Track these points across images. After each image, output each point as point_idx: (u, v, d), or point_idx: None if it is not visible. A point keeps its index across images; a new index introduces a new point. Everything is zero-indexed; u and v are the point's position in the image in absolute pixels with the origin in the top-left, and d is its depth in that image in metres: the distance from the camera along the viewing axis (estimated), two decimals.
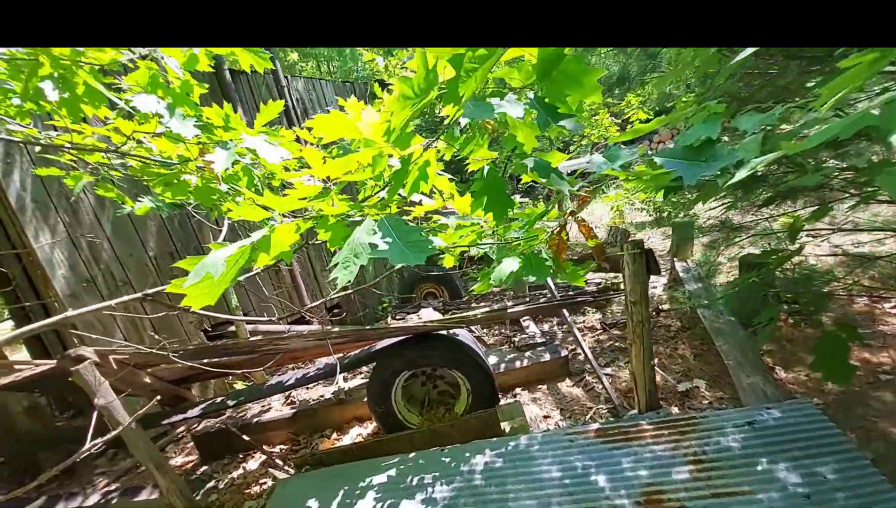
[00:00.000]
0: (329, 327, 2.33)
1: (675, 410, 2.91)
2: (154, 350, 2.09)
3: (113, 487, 3.44)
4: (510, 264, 1.23)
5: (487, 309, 2.45)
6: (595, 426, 2.45)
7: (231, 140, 1.51)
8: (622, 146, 1.21)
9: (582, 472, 2.16)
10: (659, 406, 2.52)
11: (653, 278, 5.81)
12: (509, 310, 2.49)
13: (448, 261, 2.17)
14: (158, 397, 2.33)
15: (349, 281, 0.77)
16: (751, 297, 3.25)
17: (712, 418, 2.34)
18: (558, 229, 1.35)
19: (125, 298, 1.28)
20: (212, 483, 3.21)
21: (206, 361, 2.59)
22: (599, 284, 5.08)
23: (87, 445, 1.15)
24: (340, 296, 4.71)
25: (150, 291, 1.27)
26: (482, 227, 1.48)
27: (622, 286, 2.91)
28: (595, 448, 2.28)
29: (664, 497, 1.99)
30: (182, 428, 4.03)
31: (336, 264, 0.83)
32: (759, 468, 2.08)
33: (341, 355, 2.91)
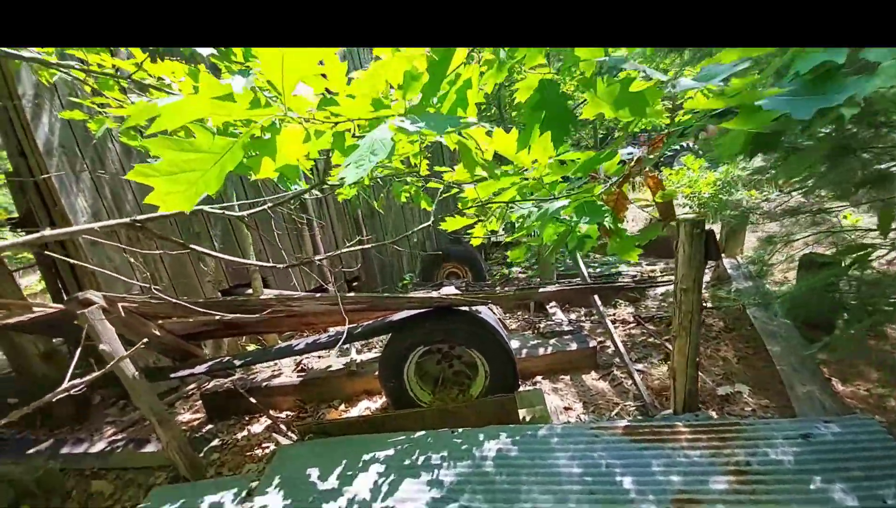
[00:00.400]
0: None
1: (713, 414, 2.67)
2: (164, 299, 2.01)
3: (120, 437, 3.48)
4: (557, 207, 1.02)
5: (515, 288, 2.28)
6: (623, 422, 2.26)
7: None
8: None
9: (606, 471, 1.98)
10: (698, 409, 2.30)
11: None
12: (540, 290, 2.30)
13: (476, 235, 2.00)
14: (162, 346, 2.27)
15: (358, 181, 0.61)
16: (813, 300, 2.95)
17: (760, 426, 2.12)
18: (620, 180, 1.15)
19: (111, 222, 1.17)
20: (216, 442, 3.19)
21: (217, 318, 2.52)
22: (635, 276, 4.81)
23: (65, 385, 1.04)
24: (355, 270, 4.62)
25: (139, 217, 1.15)
26: (526, 180, 1.28)
27: (661, 278, 2.68)
28: (622, 447, 2.09)
29: (697, 507, 1.79)
30: (193, 385, 4.05)
31: (348, 165, 0.67)
32: (812, 486, 1.86)
33: (355, 325, 2.79)
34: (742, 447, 2.02)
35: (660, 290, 5.14)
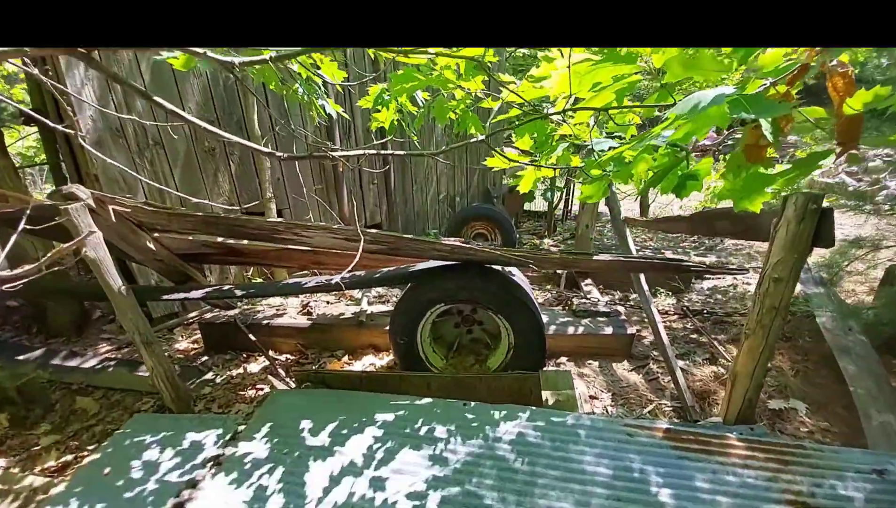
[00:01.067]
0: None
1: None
2: (159, 207, 1.80)
3: (113, 356, 3.42)
4: (703, 99, 0.69)
5: (561, 251, 1.98)
6: (663, 424, 1.99)
7: None
8: None
9: (638, 477, 1.74)
10: (754, 422, 2.01)
11: (741, 277, 5.04)
12: (594, 257, 1.98)
13: (526, 183, 1.68)
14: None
15: None
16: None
17: (829, 454, 1.83)
18: (797, 71, 0.81)
19: None
20: (209, 376, 3.08)
21: (219, 240, 2.31)
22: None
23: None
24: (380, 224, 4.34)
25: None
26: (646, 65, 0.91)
27: (734, 267, 2.33)
28: (660, 452, 1.84)
29: None
30: (196, 313, 3.96)
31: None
32: None
33: (372, 270, 2.56)
34: (805, 475, 1.75)
35: (706, 284, 4.76)
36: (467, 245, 1.92)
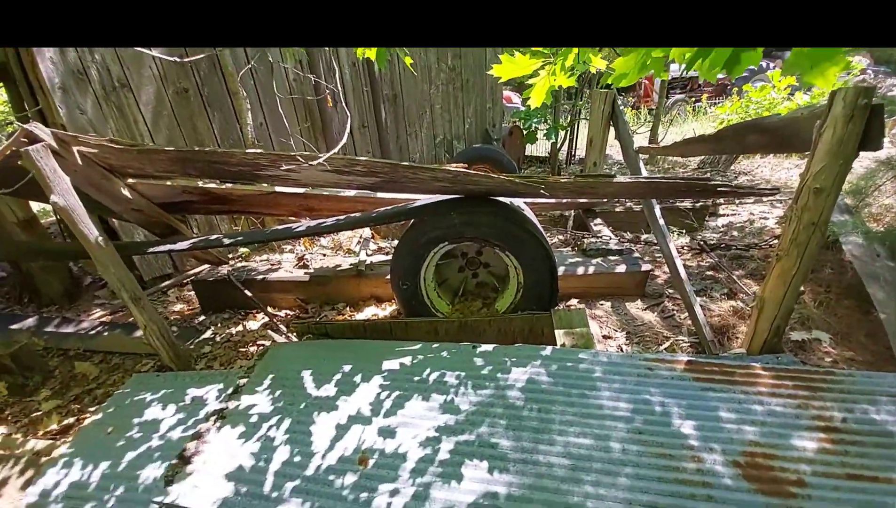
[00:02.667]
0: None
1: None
2: (125, 144, 1.66)
3: (108, 320, 3.38)
4: None
5: (577, 175, 1.83)
6: (685, 357, 1.94)
7: None
8: None
9: (660, 412, 1.69)
10: (781, 351, 1.96)
11: (762, 209, 4.92)
12: (613, 180, 1.84)
13: (538, 93, 1.52)
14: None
15: None
16: None
17: (861, 379, 1.78)
18: None
19: None
20: (208, 335, 3.05)
21: (200, 185, 2.18)
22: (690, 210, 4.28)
23: None
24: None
25: None
26: None
27: (764, 188, 2.20)
28: (682, 385, 1.79)
29: (774, 465, 1.52)
30: (191, 272, 3.89)
31: None
32: None
33: (368, 212, 2.44)
34: (836, 400, 1.70)
35: (721, 221, 4.65)
36: (472, 172, 1.79)
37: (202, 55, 2.86)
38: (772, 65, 10.46)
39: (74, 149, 1.75)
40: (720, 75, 0.88)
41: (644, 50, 0.91)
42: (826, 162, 1.43)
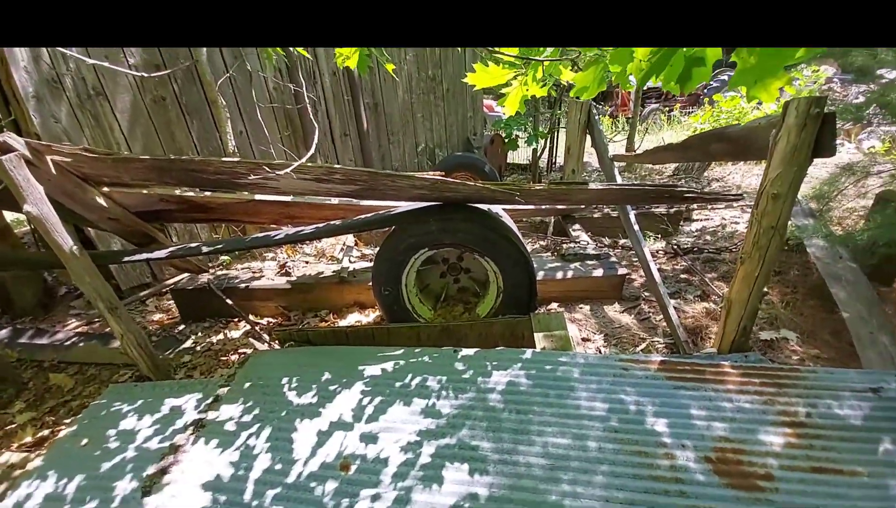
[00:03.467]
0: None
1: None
2: (99, 152, 1.64)
3: (84, 331, 3.30)
4: None
5: (552, 182, 1.87)
6: (658, 357, 1.99)
7: None
8: None
9: (635, 410, 1.74)
10: (749, 350, 2.02)
11: (733, 214, 5.07)
12: (587, 187, 1.89)
13: (512, 101, 1.56)
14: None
15: None
16: (886, 239, 2.58)
17: (823, 375, 1.85)
18: None
19: None
20: (188, 344, 3.00)
21: (177, 193, 2.16)
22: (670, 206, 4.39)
23: None
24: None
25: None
26: None
27: (729, 194, 2.29)
28: (655, 384, 1.84)
29: (743, 459, 1.57)
30: (171, 281, 3.83)
31: None
32: (881, 447, 1.61)
33: (347, 219, 2.45)
34: (801, 396, 1.77)
35: (695, 225, 4.77)
36: (449, 180, 1.81)
37: (178, 67, 2.83)
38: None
39: (48, 158, 1.72)
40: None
41: (601, 64, 0.96)
42: (782, 169, 1.50)
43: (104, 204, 2.02)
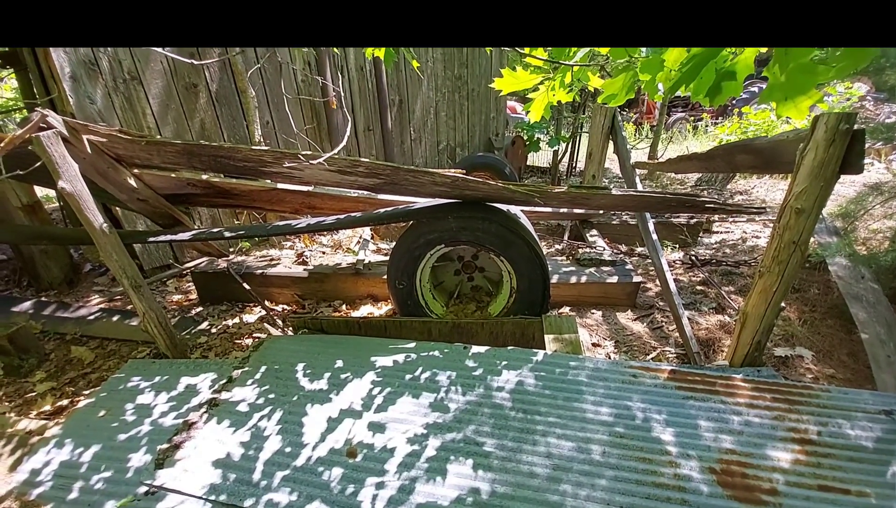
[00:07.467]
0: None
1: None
2: (133, 134, 1.70)
3: (106, 307, 3.40)
4: None
5: (572, 186, 1.87)
6: (668, 366, 1.98)
7: None
8: None
9: (641, 417, 1.74)
10: (762, 365, 2.00)
11: (755, 228, 4.99)
12: (607, 192, 1.89)
13: (537, 108, 1.58)
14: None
15: None
16: None
17: (837, 395, 1.83)
18: None
19: None
20: (204, 325, 3.07)
21: (204, 178, 2.22)
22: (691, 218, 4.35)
23: None
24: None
25: None
26: None
27: (752, 208, 2.26)
28: (664, 393, 1.84)
29: (749, 472, 1.56)
30: (191, 264, 3.92)
31: None
32: (891, 469, 1.59)
33: (367, 211, 2.49)
34: (812, 414, 1.75)
35: (714, 237, 4.71)
36: (470, 178, 1.84)
37: (216, 59, 2.91)
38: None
39: (84, 137, 1.80)
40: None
41: (631, 72, 0.97)
42: (807, 184, 1.49)
43: (135, 185, 2.09)
